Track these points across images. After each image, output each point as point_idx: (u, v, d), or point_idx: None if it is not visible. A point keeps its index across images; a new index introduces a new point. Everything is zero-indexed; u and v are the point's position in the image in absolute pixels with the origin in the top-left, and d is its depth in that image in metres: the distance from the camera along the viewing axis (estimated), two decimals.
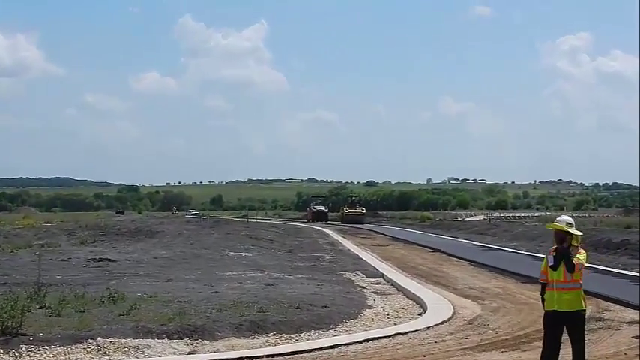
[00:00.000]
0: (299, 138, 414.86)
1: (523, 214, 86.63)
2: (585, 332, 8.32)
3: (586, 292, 7.29)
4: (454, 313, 13.59)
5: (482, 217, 77.89)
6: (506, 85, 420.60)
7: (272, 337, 11.14)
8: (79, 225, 45.46)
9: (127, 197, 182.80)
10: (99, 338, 10.07)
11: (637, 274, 20.03)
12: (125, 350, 9.87)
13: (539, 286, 8.33)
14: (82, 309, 11.98)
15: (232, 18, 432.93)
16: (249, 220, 62.86)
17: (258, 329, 11.36)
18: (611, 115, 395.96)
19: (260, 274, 19.67)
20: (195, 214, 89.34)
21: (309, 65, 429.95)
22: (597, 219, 56.76)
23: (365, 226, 62.34)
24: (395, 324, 12.71)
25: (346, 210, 74.46)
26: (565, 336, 8.09)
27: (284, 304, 13.25)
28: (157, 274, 19.12)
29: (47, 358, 9.43)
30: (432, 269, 23.14)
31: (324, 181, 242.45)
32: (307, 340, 11.11)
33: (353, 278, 19.68)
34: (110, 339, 10.11)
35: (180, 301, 13.21)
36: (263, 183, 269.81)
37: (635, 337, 11.06)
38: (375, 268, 22.93)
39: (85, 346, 9.83)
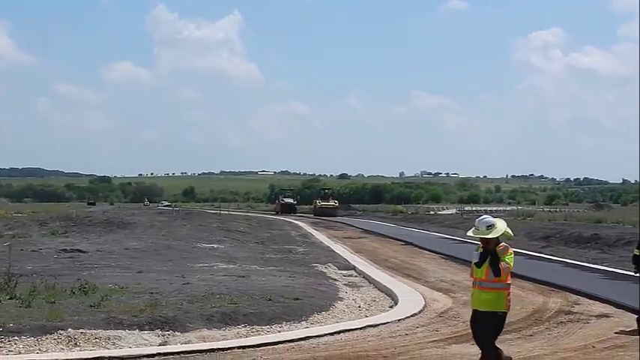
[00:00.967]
0: (272, 130, 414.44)
1: (495, 208, 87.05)
2: (498, 338, 7.93)
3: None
4: (425, 306, 13.72)
5: (454, 211, 78.51)
6: (480, 79, 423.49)
7: (243, 328, 11.16)
8: (50, 216, 45.08)
9: (98, 188, 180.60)
10: (69, 329, 10.02)
11: (607, 269, 20.42)
12: (96, 341, 9.81)
13: None
14: (53, 300, 11.93)
15: (206, 8, 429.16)
16: (222, 211, 62.68)
17: (229, 321, 11.37)
18: (583, 110, 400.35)
19: (232, 266, 19.68)
20: (167, 206, 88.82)
21: (282, 57, 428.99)
22: (568, 213, 57.29)
23: (338, 218, 62.54)
24: (366, 316, 12.81)
25: (319, 202, 74.62)
26: (501, 335, 8.00)
27: (256, 296, 13.28)
28: (128, 266, 19.06)
29: (17, 349, 9.35)
30: (403, 262, 23.29)
31: (297, 174, 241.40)
32: (279, 331, 11.15)
33: (325, 271, 19.75)
34: (81, 330, 10.06)
35: (152, 293, 13.19)
36: (236, 175, 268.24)
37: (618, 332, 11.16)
38: (346, 260, 23.04)
39: (56, 337, 9.77)
